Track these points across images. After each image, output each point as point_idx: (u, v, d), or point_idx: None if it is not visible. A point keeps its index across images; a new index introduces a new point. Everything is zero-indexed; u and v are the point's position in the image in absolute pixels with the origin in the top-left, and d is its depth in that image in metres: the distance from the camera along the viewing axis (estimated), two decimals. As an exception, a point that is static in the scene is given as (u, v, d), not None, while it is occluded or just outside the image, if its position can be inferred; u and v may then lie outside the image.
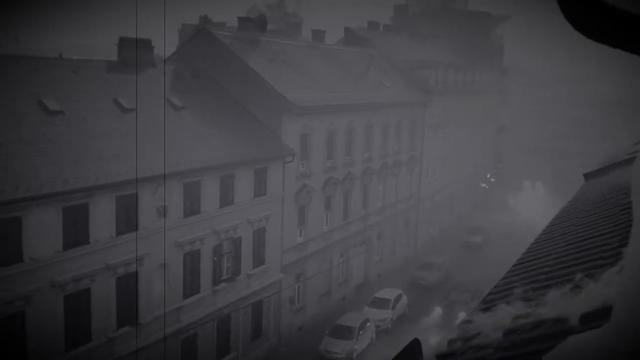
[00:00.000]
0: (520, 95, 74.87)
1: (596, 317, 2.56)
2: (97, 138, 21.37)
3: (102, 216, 20.18)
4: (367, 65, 40.68)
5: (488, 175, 61.65)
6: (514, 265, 5.13)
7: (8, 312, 17.66)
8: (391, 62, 44.97)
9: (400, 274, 39.61)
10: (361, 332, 29.73)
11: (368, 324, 30.60)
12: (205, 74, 29.76)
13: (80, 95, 22.71)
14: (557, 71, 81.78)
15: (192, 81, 28.98)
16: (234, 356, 27.23)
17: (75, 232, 19.41)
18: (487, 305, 3.82)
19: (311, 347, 29.42)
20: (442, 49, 54.53)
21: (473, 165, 55.93)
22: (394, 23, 57.80)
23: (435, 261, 40.65)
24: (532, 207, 50.71)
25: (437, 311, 33.57)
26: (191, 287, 24.48)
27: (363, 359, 29.42)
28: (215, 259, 25.44)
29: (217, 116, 27.74)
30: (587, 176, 10.37)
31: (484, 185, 60.82)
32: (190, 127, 25.60)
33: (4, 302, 17.43)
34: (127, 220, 21.15)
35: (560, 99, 78.87)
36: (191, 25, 37.54)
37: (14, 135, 19.02)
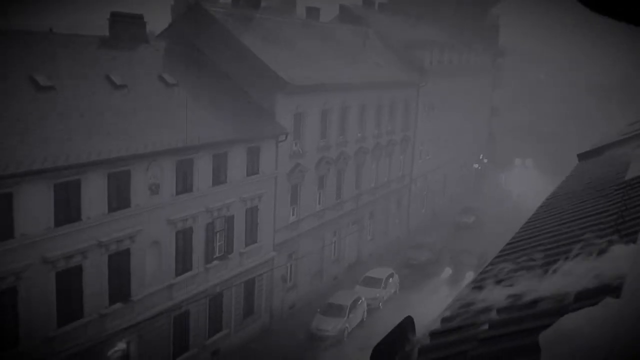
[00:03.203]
0: (514, 77, 74.71)
1: (592, 294, 2.54)
2: (88, 114, 21.16)
3: (94, 193, 20.07)
4: (361, 44, 40.36)
5: (481, 156, 61.75)
6: (507, 244, 5.11)
7: (-1, 288, 17.65)
8: (386, 42, 44.65)
9: (392, 254, 39.81)
10: (352, 311, 29.92)
11: (359, 302, 30.80)
12: (198, 51, 29.43)
13: (72, 71, 22.42)
14: (552, 53, 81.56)
15: (185, 58, 28.66)
16: (226, 333, 27.38)
17: (67, 208, 19.31)
18: (481, 283, 3.81)
19: (302, 325, 29.61)
20: (437, 29, 54.14)
21: (466, 146, 55.96)
22: (389, 2, 57.26)
23: (427, 241, 40.84)
24: (525, 188, 50.94)
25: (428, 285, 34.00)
26: (183, 264, 24.49)
27: (354, 337, 29.65)
28: (208, 236, 25.43)
29: (210, 94, 27.50)
30: (581, 157, 10.37)
31: (476, 166, 60.95)
32: (182, 105, 25.39)
33: (-5, 278, 17.40)
34: (119, 198, 21.07)
35: (555, 82, 78.78)
36: (184, 0, 36.97)
37: (4, 111, 18.80)
